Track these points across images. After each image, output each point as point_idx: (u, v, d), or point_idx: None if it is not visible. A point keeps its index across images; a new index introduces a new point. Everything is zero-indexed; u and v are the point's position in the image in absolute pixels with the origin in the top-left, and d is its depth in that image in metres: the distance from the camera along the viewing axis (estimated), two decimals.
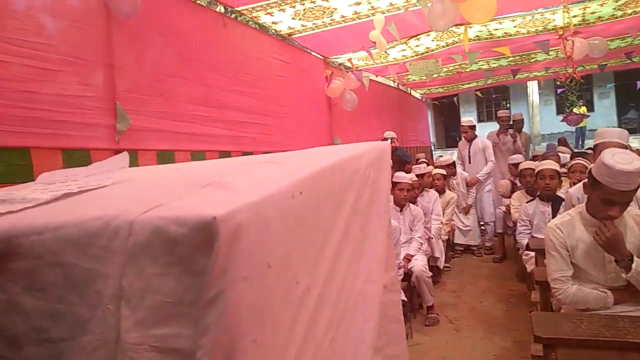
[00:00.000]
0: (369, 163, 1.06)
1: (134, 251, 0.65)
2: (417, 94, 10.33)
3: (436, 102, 16.38)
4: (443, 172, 6.00)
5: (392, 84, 8.49)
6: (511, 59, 7.16)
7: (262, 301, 0.69)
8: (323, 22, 4.58)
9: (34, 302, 0.75)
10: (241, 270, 0.64)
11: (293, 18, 4.38)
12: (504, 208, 5.80)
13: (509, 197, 5.51)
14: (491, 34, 5.77)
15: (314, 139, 5.63)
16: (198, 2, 3.79)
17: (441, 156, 8.05)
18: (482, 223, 6.52)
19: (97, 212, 0.70)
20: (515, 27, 5.55)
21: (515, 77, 8.09)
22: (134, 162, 3.25)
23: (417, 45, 6.00)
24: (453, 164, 6.44)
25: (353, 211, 0.96)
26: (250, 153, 4.44)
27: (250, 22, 4.63)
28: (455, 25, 4.91)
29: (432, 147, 14.09)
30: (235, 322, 0.63)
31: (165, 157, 3.46)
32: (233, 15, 4.28)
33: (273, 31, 4.78)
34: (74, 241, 0.70)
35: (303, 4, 4.05)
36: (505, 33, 5.75)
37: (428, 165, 6.36)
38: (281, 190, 0.75)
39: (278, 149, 4.87)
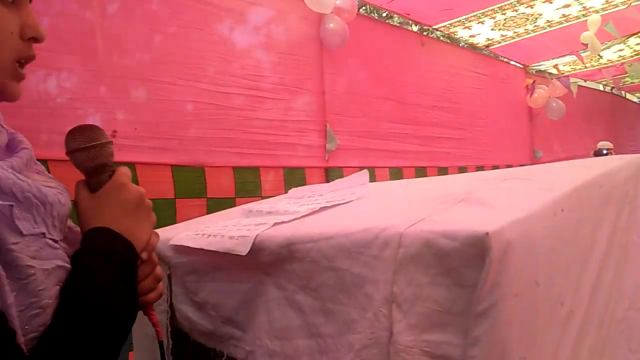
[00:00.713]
0: (627, 179, 0.97)
1: (404, 261, 0.72)
2: (634, 97, 8.96)
3: None
4: None
5: (603, 88, 7.53)
6: None
7: (530, 319, 0.69)
8: (525, 29, 4.33)
9: (308, 300, 0.88)
10: (512, 287, 0.65)
11: (492, 29, 4.24)
12: None
13: None
14: None
15: (512, 151, 5.32)
16: (394, 24, 3.95)
17: None
18: None
19: (364, 225, 0.79)
20: None
21: None
22: (339, 178, 3.51)
23: (638, 44, 5.23)
24: None
25: (613, 229, 0.89)
26: (445, 168, 4.41)
27: (445, 38, 4.63)
28: None
29: None
30: (506, 336, 0.65)
31: None
32: (430, 34, 4.34)
33: (469, 44, 4.69)
34: (346, 249, 0.80)
35: (504, 14, 3.90)
36: None
37: None
38: (543, 207, 0.75)
39: (473, 163, 4.73)
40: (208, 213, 2.74)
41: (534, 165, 1.26)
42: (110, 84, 2.27)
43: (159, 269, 0.76)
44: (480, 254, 0.64)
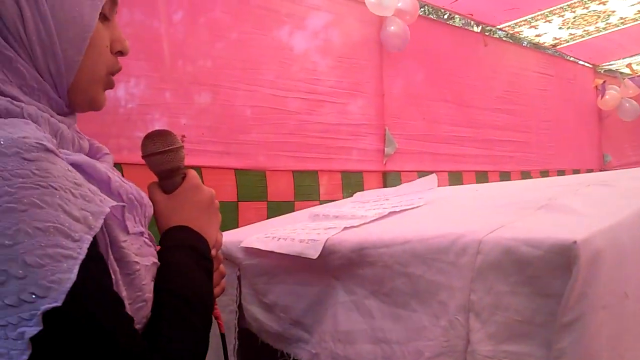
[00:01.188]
0: None
1: (483, 268, 0.70)
2: None
3: None
4: None
5: None
6: None
7: (619, 333, 0.66)
8: (596, 27, 4.11)
9: (378, 304, 0.87)
10: (600, 298, 0.62)
11: (560, 28, 4.06)
12: None
13: None
14: None
15: (579, 155, 5.06)
16: (456, 25, 3.87)
17: None
18: None
19: (440, 230, 0.78)
20: None
21: None
22: (397, 183, 3.48)
23: None
24: None
25: None
26: (508, 172, 4.26)
27: (508, 38, 4.48)
28: None
29: None
30: (593, 350, 0.62)
31: None
32: (493, 34, 4.21)
33: (534, 44, 4.51)
34: (420, 255, 0.79)
35: (574, 12, 3.73)
36: None
37: None
38: (631, 215, 0.71)
39: (537, 167, 4.54)
40: (268, 216, 2.80)
41: (617, 171, 1.19)
42: (175, 90, 2.36)
43: (222, 267, 0.81)
44: (566, 263, 0.61)
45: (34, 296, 0.45)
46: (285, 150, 2.82)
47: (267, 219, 2.70)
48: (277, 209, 2.74)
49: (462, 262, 0.72)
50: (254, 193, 2.69)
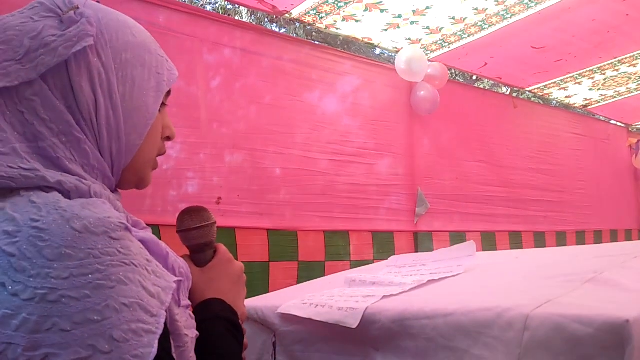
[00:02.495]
0: None
1: (530, 346, 0.68)
2: None
3: None
4: None
5: None
6: None
7: None
8: (627, 88, 4.11)
9: None
10: None
11: (591, 89, 4.08)
12: None
13: None
14: None
15: (617, 215, 4.91)
16: (484, 87, 3.94)
17: None
18: None
19: (485, 303, 0.77)
20: None
21: None
22: (428, 242, 3.43)
23: None
24: None
25: None
26: (542, 233, 4.16)
27: (537, 99, 4.51)
28: None
29: None
30: None
31: (456, 238, 3.53)
32: (521, 95, 4.26)
33: (563, 105, 4.53)
34: (465, 328, 0.78)
35: (604, 74, 3.75)
36: None
37: None
38: None
39: (573, 227, 4.42)
40: (299, 276, 2.79)
41: None
42: (210, 152, 2.45)
43: (245, 339, 0.82)
44: (619, 342, 0.59)
45: None
46: (315, 210, 2.85)
47: (297, 278, 2.70)
48: (308, 269, 2.73)
49: (509, 338, 0.71)
50: (285, 253, 2.70)
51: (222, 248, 0.80)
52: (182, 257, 0.77)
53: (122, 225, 0.53)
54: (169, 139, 0.74)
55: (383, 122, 3.23)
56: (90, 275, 0.48)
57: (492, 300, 0.77)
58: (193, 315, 0.68)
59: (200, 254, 0.78)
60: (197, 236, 0.77)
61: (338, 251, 2.98)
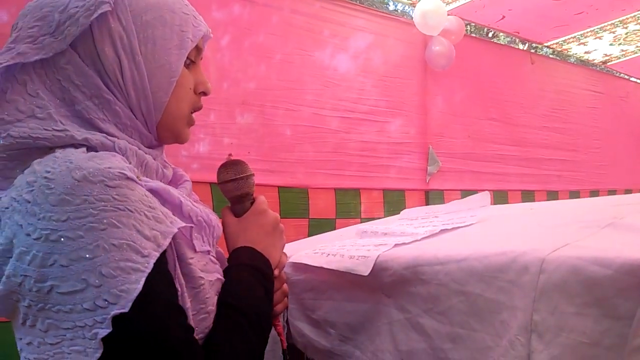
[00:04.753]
0: None
1: (546, 288, 0.67)
2: None
3: None
4: None
5: None
6: None
7: None
8: None
9: (433, 323, 0.85)
10: None
11: (611, 44, 3.95)
12: None
13: None
14: None
15: (632, 175, 4.85)
16: (501, 43, 3.82)
17: None
18: None
19: (499, 248, 0.76)
20: None
21: None
22: (440, 202, 3.42)
23: None
24: None
25: None
26: (556, 192, 4.13)
27: (555, 55, 4.38)
28: None
29: None
30: None
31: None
32: (539, 51, 4.13)
33: (582, 61, 4.40)
34: (478, 273, 0.77)
35: (626, 27, 3.62)
36: None
37: None
38: None
39: (587, 187, 4.38)
40: (309, 233, 2.81)
41: None
42: (220, 111, 2.43)
43: (285, 285, 0.85)
44: (637, 283, 0.58)
45: (106, 302, 0.53)
46: (326, 168, 2.84)
47: (307, 236, 2.72)
48: (319, 226, 2.75)
49: (524, 281, 0.70)
50: (296, 210, 2.72)
51: (259, 199, 0.82)
52: (223, 208, 0.82)
53: (121, 175, 0.58)
54: (204, 94, 0.76)
55: (396, 79, 3.17)
56: (84, 219, 0.54)
57: (506, 245, 0.76)
58: (216, 261, 0.72)
59: (238, 205, 0.80)
60: (233, 188, 0.79)
61: (349, 209, 2.99)
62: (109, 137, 0.64)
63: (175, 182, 0.75)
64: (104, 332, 0.52)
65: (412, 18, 3.11)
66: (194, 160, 2.30)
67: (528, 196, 3.96)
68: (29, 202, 0.55)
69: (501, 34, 4.07)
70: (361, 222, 2.97)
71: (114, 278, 0.53)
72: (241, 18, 2.55)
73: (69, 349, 0.53)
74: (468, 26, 3.62)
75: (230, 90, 2.49)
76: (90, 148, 0.62)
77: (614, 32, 3.74)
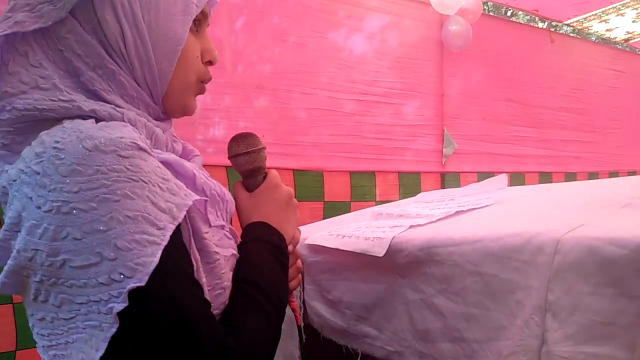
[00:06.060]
0: None
1: (561, 268, 0.68)
2: None
3: None
4: None
5: None
6: None
7: None
8: None
9: (448, 303, 0.86)
10: None
11: (634, 21, 3.83)
12: None
13: None
14: None
15: None
16: (520, 22, 3.74)
17: None
18: None
19: (514, 229, 0.76)
20: None
21: None
22: (456, 184, 3.41)
23: None
24: None
25: None
26: (574, 174, 4.07)
27: (575, 34, 4.28)
28: None
29: None
30: None
31: (485, 179, 3.49)
32: (559, 30, 4.03)
33: (603, 39, 4.29)
34: (493, 254, 0.77)
35: None
36: None
37: None
38: None
39: (606, 168, 4.31)
40: (324, 216, 2.82)
41: None
42: (236, 94, 2.44)
43: (299, 261, 0.84)
44: None
45: (122, 276, 0.51)
46: (341, 151, 2.84)
47: (322, 219, 2.73)
48: (333, 209, 2.76)
49: (539, 261, 0.70)
50: (311, 193, 2.73)
51: (272, 173, 0.80)
52: (235, 182, 0.80)
53: (133, 145, 0.55)
54: (211, 63, 0.73)
55: (412, 60, 3.13)
56: (97, 190, 0.52)
57: (522, 226, 0.76)
58: (231, 236, 0.71)
59: (250, 179, 0.78)
60: (245, 162, 0.77)
61: (364, 192, 2.99)
62: (117, 109, 0.61)
63: (185, 156, 0.73)
64: (120, 306, 0.51)
65: None
66: (209, 144, 2.32)
67: (546, 178, 3.91)
68: (39, 173, 0.53)
69: (520, 12, 3.97)
70: (376, 205, 2.99)
71: (129, 251, 0.52)
72: (255, 1, 2.53)
73: (84, 323, 0.52)
74: (486, 5, 3.54)
75: (245, 74, 2.49)
76: (98, 120, 0.59)
77: (637, 9, 3.63)
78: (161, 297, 0.54)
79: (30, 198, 0.53)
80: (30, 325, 0.58)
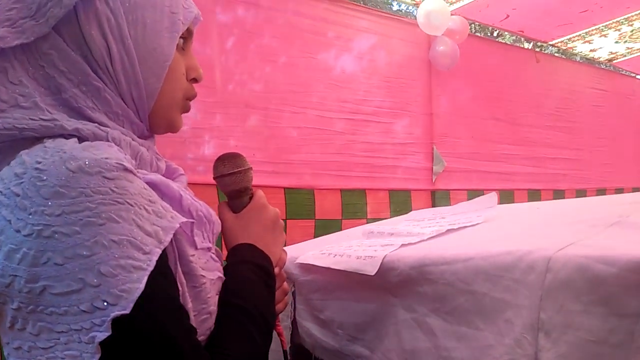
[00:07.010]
0: None
1: (553, 286, 0.68)
2: None
3: None
4: None
5: None
6: None
7: None
8: None
9: (440, 323, 0.86)
10: None
11: (617, 42, 3.93)
12: None
13: None
14: None
15: (638, 173, 4.82)
16: (506, 42, 3.81)
17: None
18: None
19: (505, 247, 0.76)
20: None
21: None
22: (446, 201, 3.43)
23: None
24: None
25: None
26: (562, 191, 4.12)
27: (560, 54, 4.37)
28: None
29: None
30: None
31: (475, 196, 3.51)
32: (544, 50, 4.12)
33: (587, 59, 4.38)
34: (484, 272, 0.77)
35: (631, 25, 3.61)
36: None
37: None
38: None
39: (593, 185, 4.37)
40: (316, 234, 2.82)
41: None
42: (226, 113, 2.45)
43: (286, 284, 0.82)
44: None
45: (105, 303, 0.49)
46: (332, 169, 2.85)
47: (314, 237, 2.73)
48: (325, 227, 2.76)
49: (530, 280, 0.70)
50: (303, 211, 2.72)
51: (258, 193, 0.78)
52: (220, 203, 0.78)
53: (119, 166, 0.54)
54: (196, 80, 0.72)
55: (400, 80, 3.18)
56: (80, 213, 0.50)
57: (513, 244, 0.76)
58: (217, 258, 0.69)
59: (236, 200, 0.77)
60: (231, 182, 0.75)
61: (355, 209, 3.00)
62: (101, 127, 0.59)
63: (169, 175, 0.71)
64: (102, 335, 0.48)
65: (415, 18, 3.11)
66: (199, 163, 2.32)
67: (534, 195, 3.95)
68: (18, 195, 0.51)
69: (506, 33, 4.06)
70: (367, 223, 2.98)
71: (114, 277, 0.49)
72: (245, 21, 2.56)
73: (63, 353, 0.49)
74: (472, 26, 3.62)
75: (235, 93, 2.50)
76: (82, 139, 0.57)
77: (619, 30, 3.73)
78: (146, 325, 0.52)
79: (9, 221, 0.51)
80: (5, 354, 0.55)
